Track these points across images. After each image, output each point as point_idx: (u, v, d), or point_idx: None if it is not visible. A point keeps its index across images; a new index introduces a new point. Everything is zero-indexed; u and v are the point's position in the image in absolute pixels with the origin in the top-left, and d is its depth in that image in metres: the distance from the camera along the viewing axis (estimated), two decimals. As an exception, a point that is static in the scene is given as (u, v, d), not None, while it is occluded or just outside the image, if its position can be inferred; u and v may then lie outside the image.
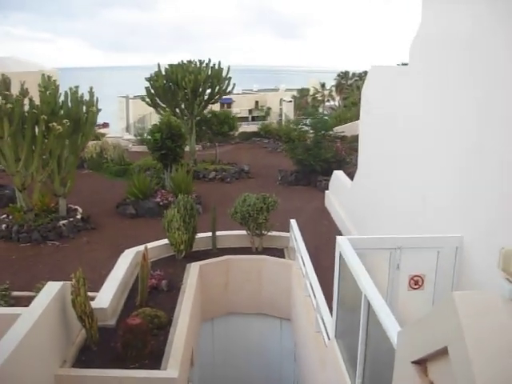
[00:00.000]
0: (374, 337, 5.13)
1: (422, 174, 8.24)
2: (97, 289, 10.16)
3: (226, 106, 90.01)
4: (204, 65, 19.64)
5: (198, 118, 20.47)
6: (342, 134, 28.80)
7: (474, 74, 6.53)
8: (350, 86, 73.65)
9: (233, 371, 12.20)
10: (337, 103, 71.56)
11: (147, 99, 20.32)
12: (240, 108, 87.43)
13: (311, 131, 21.70)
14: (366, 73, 56.48)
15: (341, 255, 6.32)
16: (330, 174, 18.65)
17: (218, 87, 19.99)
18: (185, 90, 18.93)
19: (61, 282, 8.16)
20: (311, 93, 72.29)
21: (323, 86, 66.22)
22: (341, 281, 6.56)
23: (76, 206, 15.58)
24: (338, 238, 6.60)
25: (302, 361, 10.16)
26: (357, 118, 40.39)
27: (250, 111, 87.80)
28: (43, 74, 14.24)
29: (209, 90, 19.79)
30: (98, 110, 14.41)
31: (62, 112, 13.42)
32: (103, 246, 13.71)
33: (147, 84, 20.49)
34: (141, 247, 11.96)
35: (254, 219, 11.78)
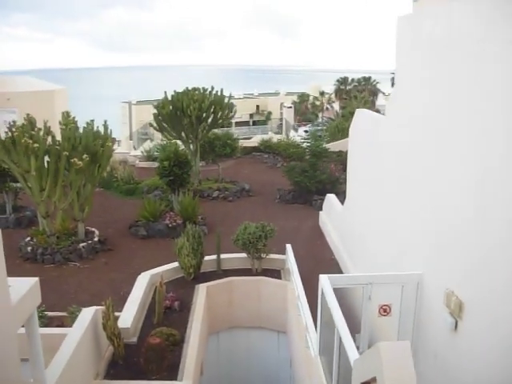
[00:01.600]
0: (344, 358, 6.74)
1: (394, 216, 9.86)
2: (118, 308, 11.78)
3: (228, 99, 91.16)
4: (207, 92, 21.28)
5: (202, 141, 22.11)
6: (338, 149, 30.50)
7: (432, 129, 8.13)
8: (348, 92, 75.37)
9: (236, 377, 13.81)
10: (336, 107, 73.18)
11: (155, 125, 21.97)
12: (241, 113, 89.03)
13: (307, 150, 23.26)
14: (364, 78, 57.94)
15: (322, 291, 7.93)
16: (324, 193, 20.24)
17: (220, 113, 21.65)
18: (190, 117, 20.57)
19: (93, 308, 9.77)
20: (311, 99, 73.85)
21: (322, 94, 67.73)
22: (322, 310, 8.17)
23: (93, 229, 17.21)
24: (321, 276, 8.21)
25: (295, 370, 11.80)
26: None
27: (251, 115, 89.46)
28: (63, 112, 15.84)
29: (212, 116, 21.41)
30: (113, 143, 16.00)
31: (80, 147, 14.96)
32: (120, 267, 15.34)
33: (152, 99, 22.17)
34: (155, 270, 13.66)
35: (253, 245, 13.41)
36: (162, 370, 9.54)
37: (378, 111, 45.18)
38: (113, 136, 46.74)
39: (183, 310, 12.20)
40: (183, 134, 21.81)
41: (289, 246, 13.70)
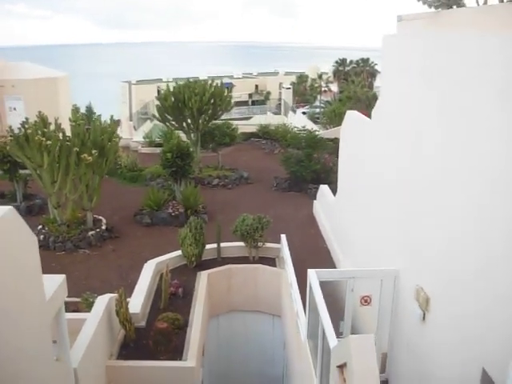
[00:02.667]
0: (326, 344, 7.88)
1: (375, 215, 10.97)
2: (126, 293, 12.94)
3: (226, 90, 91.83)
4: (208, 85, 22.25)
5: (203, 131, 23.14)
6: (334, 137, 31.48)
7: (411, 133, 9.18)
8: (347, 73, 76.02)
9: (234, 356, 15.05)
10: (335, 88, 73.84)
11: (157, 115, 22.97)
12: (240, 92, 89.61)
13: (303, 141, 24.24)
14: (362, 60, 58.57)
15: (310, 284, 9.05)
16: (318, 182, 21.34)
17: (219, 105, 22.63)
18: (191, 109, 21.57)
19: (107, 296, 10.90)
20: (309, 80, 74.40)
21: (320, 76, 68.35)
22: (310, 300, 9.29)
23: (100, 217, 18.31)
24: (309, 270, 9.32)
25: (287, 350, 13.03)
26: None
27: (250, 95, 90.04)
28: (73, 109, 16.82)
29: (212, 107, 22.39)
30: (120, 139, 17.02)
31: (89, 142, 15.97)
32: (126, 254, 16.47)
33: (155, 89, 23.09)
34: (160, 258, 14.79)
35: (251, 236, 14.54)
36: (168, 352, 10.73)
37: (375, 94, 45.89)
38: (114, 118, 47.63)
39: (186, 296, 13.37)
40: (185, 125, 22.85)
41: (283, 237, 14.80)
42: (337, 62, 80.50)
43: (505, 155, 5.76)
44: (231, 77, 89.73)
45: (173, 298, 13.07)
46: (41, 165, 15.35)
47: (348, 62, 79.11)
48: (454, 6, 7.78)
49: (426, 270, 8.08)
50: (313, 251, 16.42)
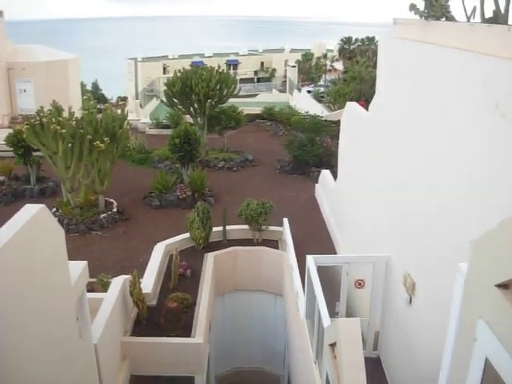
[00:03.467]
0: (320, 324, 8.75)
1: (370, 203, 11.77)
2: (137, 273, 13.84)
3: (232, 67, 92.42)
4: (214, 71, 22.92)
5: (209, 115, 23.87)
6: (337, 119, 32.09)
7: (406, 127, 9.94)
8: (352, 52, 76.16)
9: (238, 332, 16.01)
10: (340, 66, 74.02)
11: (165, 101, 23.70)
12: (246, 69, 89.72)
13: (306, 125, 24.99)
14: (368, 38, 58.73)
15: (308, 269, 9.91)
16: (321, 165, 22.15)
17: (226, 90, 23.31)
18: (198, 95, 22.28)
19: (122, 278, 11.80)
20: (315, 58, 74.51)
21: (325, 56, 68.49)
22: (308, 284, 10.16)
23: (112, 200, 19.18)
24: (307, 256, 10.17)
25: (288, 327, 13.97)
26: (355, 92, 43.24)
27: (256, 72, 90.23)
28: (86, 98, 17.56)
29: (218, 93, 23.09)
30: (130, 126, 17.78)
31: (101, 130, 16.75)
32: (137, 236, 17.37)
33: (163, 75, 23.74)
34: (169, 241, 15.66)
35: (255, 220, 15.38)
36: (178, 329, 11.65)
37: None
38: (121, 95, 48.12)
39: (194, 276, 14.28)
40: (191, 109, 23.58)
41: (286, 220, 15.63)
42: (342, 41, 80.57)
43: (484, 153, 6.52)
44: (237, 54, 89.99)
45: (181, 279, 13.98)
46: (56, 152, 16.16)
47: (353, 40, 79.23)
48: (443, 18, 8.45)
49: (412, 258, 8.91)
50: (314, 234, 17.27)
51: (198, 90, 22.09)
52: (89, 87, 57.60)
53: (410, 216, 9.05)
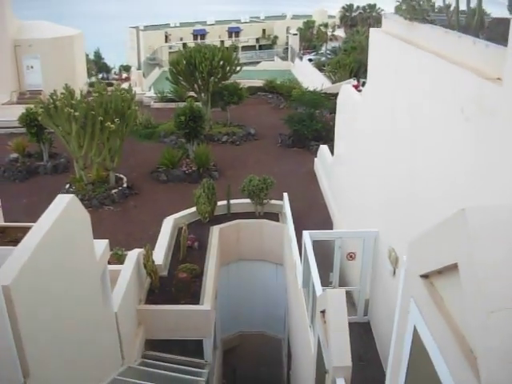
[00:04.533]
0: (314, 292, 9.92)
1: (362, 181, 12.84)
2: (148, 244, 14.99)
3: (234, 34, 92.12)
4: (217, 50, 23.78)
5: (212, 91, 24.81)
6: (336, 92, 32.87)
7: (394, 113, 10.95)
8: (354, 19, 76.11)
9: (242, 299, 17.29)
10: (341, 33, 74.08)
11: (171, 78, 24.61)
12: (247, 37, 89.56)
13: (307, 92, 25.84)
14: (369, 6, 58.69)
15: (304, 244, 11.04)
16: (320, 139, 23.15)
17: (228, 67, 24.19)
18: (201, 73, 23.18)
19: (136, 251, 12.98)
20: (316, 25, 74.39)
21: (326, 25, 68.47)
22: (304, 257, 11.30)
23: (121, 175, 20.27)
24: (304, 232, 11.27)
25: (288, 295, 15.21)
26: (355, 63, 43.63)
27: (258, 40, 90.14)
28: (96, 81, 18.45)
29: (221, 70, 23.99)
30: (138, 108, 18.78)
31: (111, 111, 17.73)
32: (146, 209, 18.53)
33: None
34: (177, 215, 16.80)
35: (257, 195, 16.49)
36: (187, 297, 12.89)
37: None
38: (123, 64, 48.41)
39: (201, 248, 15.46)
40: (196, 86, 24.51)
41: (286, 195, 16.70)
42: (343, 8, 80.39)
43: (454, 145, 7.56)
44: (238, 21, 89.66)
45: (189, 250, 15.16)
46: (69, 132, 17.20)
47: (355, 7, 79.04)
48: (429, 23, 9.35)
49: (396, 234, 10.03)
50: (312, 206, 18.39)
51: (202, 69, 22.99)
52: (91, 56, 57.96)
53: (394, 196, 10.13)
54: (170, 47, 78.69)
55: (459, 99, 7.18)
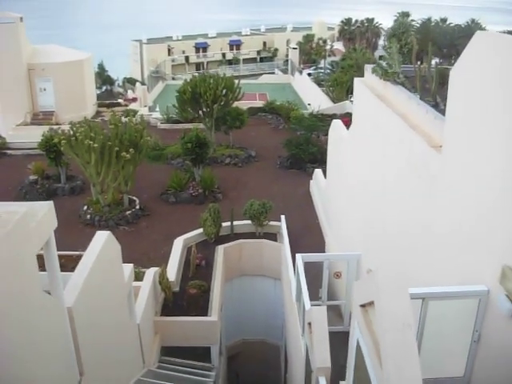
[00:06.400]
0: (304, 307, 11.87)
1: (348, 208, 14.85)
2: (162, 264, 16.90)
3: (235, 47, 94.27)
4: (220, 79, 25.93)
5: (216, 117, 26.93)
6: (332, 113, 35.03)
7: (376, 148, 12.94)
8: (352, 33, 78.44)
9: (244, 311, 19.25)
10: (340, 47, 76.51)
11: (177, 106, 26.79)
12: (248, 49, 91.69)
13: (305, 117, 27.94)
14: (367, 20, 60.70)
15: (297, 265, 13.01)
16: (316, 162, 25.17)
17: (231, 95, 26.34)
18: (206, 101, 25.31)
19: (153, 269, 14.96)
20: (316, 39, 76.50)
21: (325, 41, 70.66)
22: (297, 276, 13.26)
23: (134, 197, 22.28)
24: (297, 255, 13.23)
25: (285, 307, 17.20)
26: (352, 81, 45.77)
27: (259, 52, 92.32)
28: (112, 114, 20.53)
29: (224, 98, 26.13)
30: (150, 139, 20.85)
31: (126, 141, 19.76)
32: (157, 229, 20.52)
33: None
34: (186, 235, 18.78)
35: (257, 218, 18.51)
36: (197, 310, 14.89)
37: (375, 60, 48.68)
38: (126, 76, 49.93)
39: (208, 265, 17.46)
40: (200, 113, 26.65)
41: (283, 218, 18.69)
42: (342, 22, 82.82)
43: (412, 188, 9.57)
44: (239, 33, 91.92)
45: (198, 268, 17.15)
46: (88, 161, 19.23)
47: (353, 21, 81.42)
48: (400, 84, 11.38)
49: (373, 258, 12.02)
50: (307, 226, 20.37)
51: (207, 97, 25.12)
52: (95, 69, 59.56)
53: (371, 226, 12.14)
54: (173, 60, 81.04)
55: (414, 159, 9.21)
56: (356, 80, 14.22)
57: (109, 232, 10.01)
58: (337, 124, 17.57)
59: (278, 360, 19.83)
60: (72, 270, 8.92)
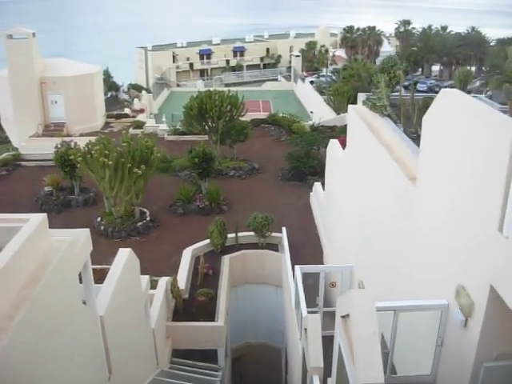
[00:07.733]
0: (301, 314, 13.27)
1: (342, 222, 16.27)
2: (172, 273, 18.28)
3: (238, 54, 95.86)
4: (225, 96, 27.42)
5: (221, 131, 28.43)
6: (332, 124, 36.45)
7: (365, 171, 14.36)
8: (354, 40, 79.99)
9: (248, 316, 20.67)
10: (342, 54, 78.08)
11: (185, 121, 28.32)
12: (252, 56, 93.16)
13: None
14: (369, 28, 62.31)
15: (296, 276, 14.42)
16: (316, 174, 26.58)
17: (235, 111, 27.85)
18: (212, 117, 26.81)
19: (165, 279, 16.37)
20: (318, 46, 77.93)
21: (327, 51, 72.10)
22: (296, 285, 14.67)
23: (144, 209, 23.72)
24: (296, 266, 14.65)
25: (285, 312, 18.62)
26: (353, 91, 47.23)
27: (262, 59, 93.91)
28: (124, 132, 22.00)
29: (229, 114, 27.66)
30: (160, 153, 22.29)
31: (138, 158, 21.21)
32: (167, 240, 21.95)
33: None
34: (195, 246, 20.21)
35: (260, 230, 19.95)
36: (205, 315, 16.31)
37: (375, 70, 50.01)
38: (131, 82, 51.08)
39: (215, 274, 18.88)
40: (206, 127, 28.15)
41: (284, 229, 20.10)
42: (344, 29, 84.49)
43: (395, 211, 10.98)
44: (243, 40, 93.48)
45: (205, 276, 18.58)
46: (103, 177, 20.70)
47: (355, 29, 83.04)
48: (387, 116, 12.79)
49: (364, 270, 13.44)
50: (307, 236, 21.79)
51: (212, 114, 26.61)
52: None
53: (362, 240, 13.57)
54: (178, 67, 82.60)
55: (395, 189, 10.64)
56: (350, 107, 15.66)
57: (130, 249, 11.44)
58: (333, 144, 19.00)
59: (280, 362, 21.23)
60: (97, 282, 10.38)
